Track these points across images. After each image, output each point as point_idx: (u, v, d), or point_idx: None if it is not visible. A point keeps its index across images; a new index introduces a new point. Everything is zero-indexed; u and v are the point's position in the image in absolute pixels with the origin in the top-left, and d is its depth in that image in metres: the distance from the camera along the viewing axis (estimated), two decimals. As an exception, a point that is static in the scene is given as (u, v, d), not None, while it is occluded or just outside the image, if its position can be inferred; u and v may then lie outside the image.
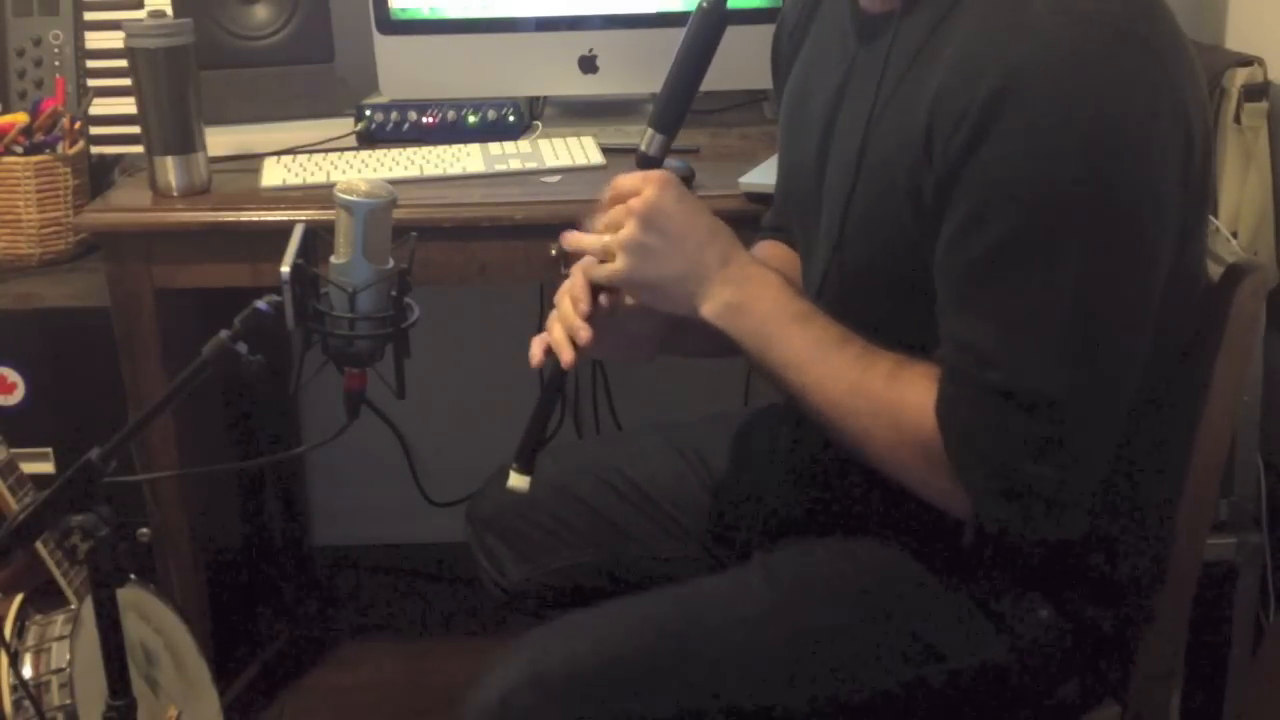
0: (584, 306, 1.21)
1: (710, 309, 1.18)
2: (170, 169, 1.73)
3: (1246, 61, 1.72)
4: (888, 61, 1.14)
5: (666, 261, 1.18)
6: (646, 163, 1.26)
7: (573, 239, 1.23)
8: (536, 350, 1.24)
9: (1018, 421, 1.04)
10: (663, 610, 1.22)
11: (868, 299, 1.20)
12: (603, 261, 1.21)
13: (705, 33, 1.24)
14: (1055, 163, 1.00)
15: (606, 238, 1.19)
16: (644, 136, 1.27)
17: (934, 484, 1.10)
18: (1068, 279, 1.01)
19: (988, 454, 1.06)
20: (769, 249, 1.46)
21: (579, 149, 1.84)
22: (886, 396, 1.11)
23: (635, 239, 1.17)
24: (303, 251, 1.15)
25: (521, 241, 1.70)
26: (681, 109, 1.26)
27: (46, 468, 1.86)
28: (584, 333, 1.20)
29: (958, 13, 1.08)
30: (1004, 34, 1.02)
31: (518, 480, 1.25)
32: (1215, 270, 1.20)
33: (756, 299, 1.17)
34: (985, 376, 1.05)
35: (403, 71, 1.97)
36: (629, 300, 1.24)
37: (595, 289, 1.22)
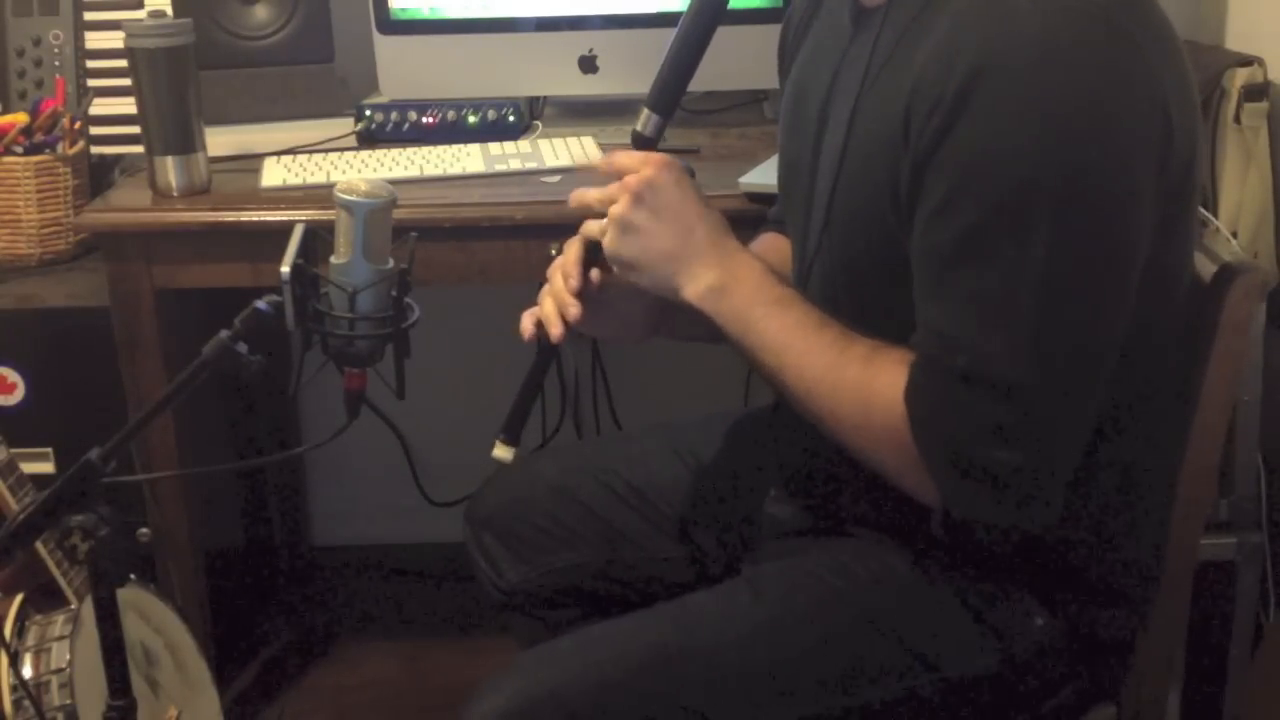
0: (574, 283, 1.23)
1: (693, 291, 1.18)
2: (170, 169, 1.73)
3: (1246, 61, 1.72)
4: (874, 51, 1.15)
5: (653, 240, 1.18)
6: (642, 143, 1.26)
7: (584, 229, 1.24)
8: (527, 323, 1.26)
9: (983, 407, 1.04)
10: (651, 632, 1.21)
11: (853, 287, 1.20)
12: (596, 242, 1.22)
13: (704, 14, 1.24)
14: (1025, 149, 1.00)
15: (604, 221, 1.20)
16: (640, 116, 1.27)
17: (902, 470, 1.10)
18: (1037, 266, 1.01)
19: (952, 439, 1.06)
20: (770, 240, 1.46)
21: (579, 149, 1.84)
22: (858, 381, 1.11)
23: (625, 215, 1.18)
24: (303, 251, 1.15)
25: (521, 241, 1.70)
26: (678, 90, 1.27)
27: (46, 468, 1.86)
28: (573, 309, 1.22)
29: (941, 1, 1.09)
30: (982, 21, 1.03)
31: (503, 451, 1.26)
32: (1211, 270, 1.20)
33: (738, 282, 1.18)
34: (953, 362, 1.05)
35: (403, 71, 1.97)
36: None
37: (587, 265, 1.23)
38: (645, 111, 1.27)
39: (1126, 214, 1.03)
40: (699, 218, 1.19)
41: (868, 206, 1.14)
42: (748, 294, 1.17)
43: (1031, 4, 1.01)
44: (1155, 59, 1.03)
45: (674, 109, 1.28)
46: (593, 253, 1.24)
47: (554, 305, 1.23)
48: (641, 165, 1.19)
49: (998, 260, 1.03)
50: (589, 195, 1.23)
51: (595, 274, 1.24)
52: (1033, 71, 1.00)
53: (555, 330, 1.22)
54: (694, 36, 1.25)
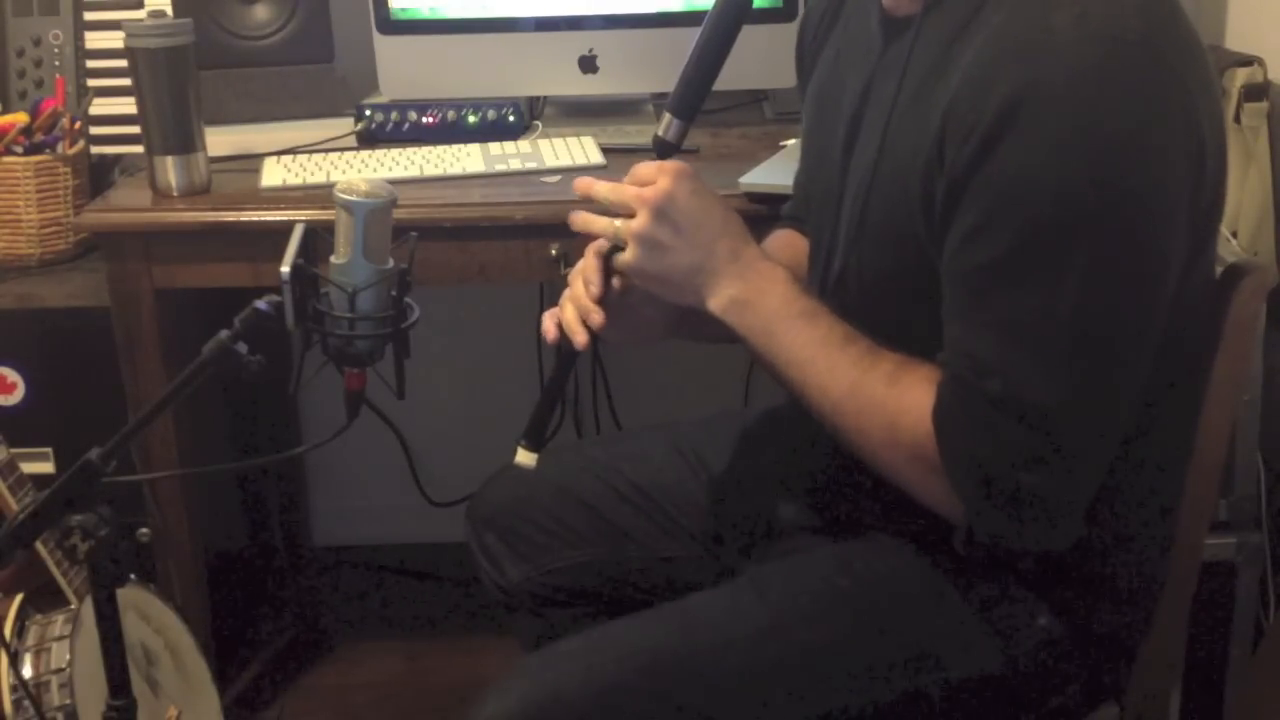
0: (595, 289, 1.21)
1: (717, 303, 1.18)
2: (170, 169, 1.73)
3: (1246, 61, 1.72)
4: (907, 66, 1.14)
5: (676, 254, 1.18)
6: (663, 148, 1.25)
7: (581, 220, 1.23)
8: (550, 325, 1.25)
9: (1013, 432, 1.04)
10: (656, 634, 1.21)
11: (879, 300, 1.20)
12: (615, 247, 1.21)
13: (729, 16, 1.23)
14: (1064, 176, 1.00)
15: (618, 222, 1.20)
16: (662, 121, 1.26)
17: (928, 488, 1.10)
18: (1070, 293, 1.01)
19: (981, 463, 1.06)
20: (786, 237, 1.46)
21: (579, 149, 1.84)
22: (885, 399, 1.11)
23: (646, 230, 1.17)
24: (303, 251, 1.15)
25: (521, 241, 1.70)
26: (701, 94, 1.25)
27: (46, 468, 1.86)
28: (596, 315, 1.21)
29: (978, 20, 1.08)
30: (1019, 46, 1.02)
31: (525, 457, 1.26)
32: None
33: (763, 295, 1.17)
34: (983, 385, 1.05)
35: (403, 71, 1.97)
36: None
37: (608, 271, 1.22)
38: (667, 116, 1.26)
39: (1161, 241, 1.03)
40: (720, 227, 1.19)
41: (900, 220, 1.13)
42: (772, 307, 1.17)
43: (1070, 30, 1.00)
44: (1191, 83, 1.03)
45: (695, 113, 1.26)
46: (612, 258, 1.23)
47: (575, 312, 1.22)
48: (658, 176, 1.18)
49: (1033, 286, 1.02)
50: (598, 188, 1.22)
51: (616, 280, 1.23)
52: (1072, 100, 0.99)
53: (580, 338, 1.21)
54: (717, 39, 1.23)
